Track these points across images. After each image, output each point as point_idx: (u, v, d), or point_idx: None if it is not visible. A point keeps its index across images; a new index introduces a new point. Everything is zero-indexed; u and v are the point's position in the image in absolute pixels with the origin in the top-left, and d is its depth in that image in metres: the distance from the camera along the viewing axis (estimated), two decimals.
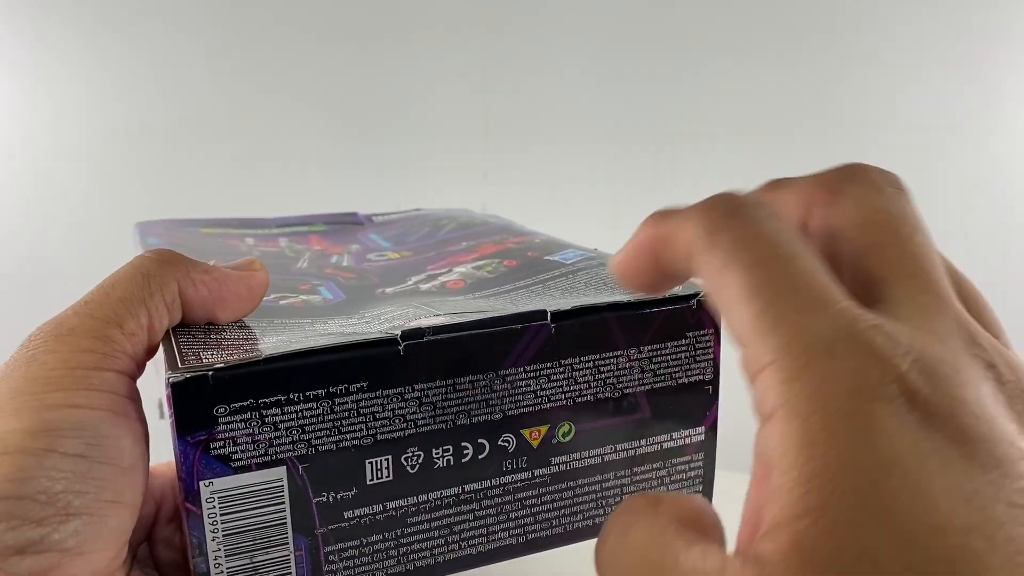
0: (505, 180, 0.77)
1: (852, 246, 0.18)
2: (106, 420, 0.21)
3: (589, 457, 0.26)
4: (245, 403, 0.21)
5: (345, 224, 0.47)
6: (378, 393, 0.23)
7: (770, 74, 0.80)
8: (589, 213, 0.75)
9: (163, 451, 0.24)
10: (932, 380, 0.15)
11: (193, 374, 0.21)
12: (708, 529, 0.16)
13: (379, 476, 0.24)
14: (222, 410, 0.21)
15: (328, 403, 0.22)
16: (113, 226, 0.71)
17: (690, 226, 0.18)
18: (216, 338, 0.24)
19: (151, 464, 0.23)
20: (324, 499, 0.23)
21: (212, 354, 0.22)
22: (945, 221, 0.82)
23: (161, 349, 0.23)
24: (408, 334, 0.23)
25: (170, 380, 0.21)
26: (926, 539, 0.13)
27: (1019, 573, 0.13)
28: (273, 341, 0.24)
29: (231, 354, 0.22)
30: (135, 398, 0.22)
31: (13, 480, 0.18)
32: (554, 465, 0.26)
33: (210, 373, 0.21)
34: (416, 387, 0.23)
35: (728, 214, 0.17)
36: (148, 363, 0.24)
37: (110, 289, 0.23)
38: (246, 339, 0.24)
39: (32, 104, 0.71)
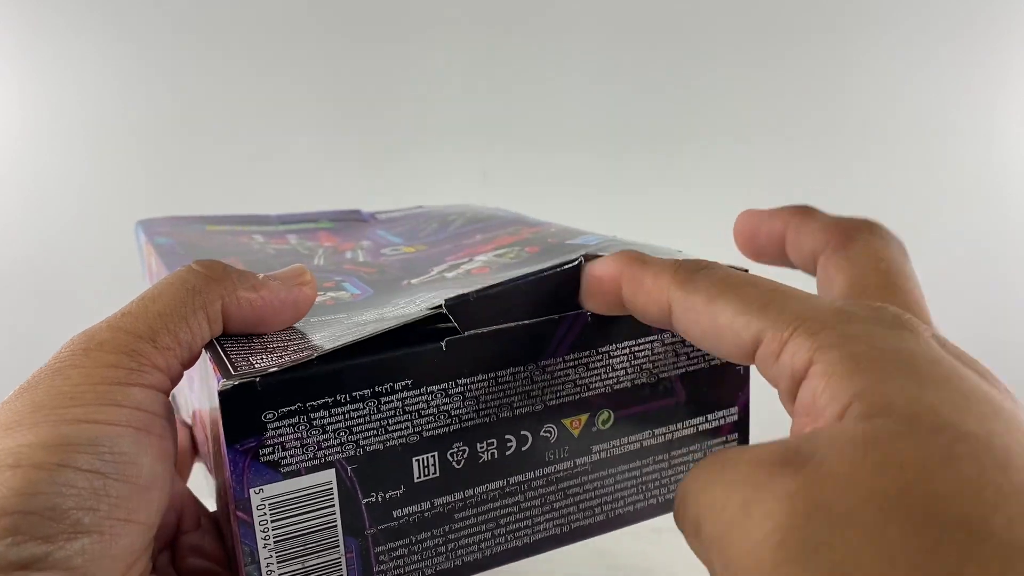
0: (505, 180, 0.76)
1: (850, 287, 0.21)
2: (126, 436, 0.20)
3: (628, 443, 0.26)
4: (293, 407, 0.21)
5: (350, 221, 0.46)
6: (423, 390, 0.23)
7: (771, 75, 0.80)
8: (589, 213, 0.74)
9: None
10: (939, 338, 0.17)
11: (241, 381, 0.20)
12: None
13: (426, 473, 0.23)
14: (270, 416, 0.21)
15: (374, 402, 0.22)
16: (105, 223, 0.71)
17: (665, 274, 0.21)
18: (260, 340, 0.24)
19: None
20: (373, 499, 0.23)
21: (261, 358, 0.22)
22: (944, 221, 0.83)
23: (206, 356, 0.23)
24: (453, 306, 0.23)
25: (218, 389, 0.20)
26: (981, 403, 0.15)
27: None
28: (319, 338, 0.23)
29: (280, 356, 0.22)
30: (163, 413, 0.21)
31: (22, 494, 0.18)
32: (595, 453, 0.26)
33: (257, 379, 0.21)
34: (459, 382, 0.23)
35: (699, 267, 0.20)
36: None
37: (150, 303, 0.22)
38: (291, 339, 0.24)
39: (27, 100, 0.69)
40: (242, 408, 0.21)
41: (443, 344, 0.23)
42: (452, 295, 0.23)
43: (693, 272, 0.20)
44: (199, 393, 0.27)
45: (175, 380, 0.22)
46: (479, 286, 0.24)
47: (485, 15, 0.73)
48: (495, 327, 0.23)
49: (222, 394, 0.20)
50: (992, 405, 0.15)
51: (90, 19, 0.68)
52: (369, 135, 0.74)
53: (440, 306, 0.23)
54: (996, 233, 0.84)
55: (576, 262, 0.24)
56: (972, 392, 0.15)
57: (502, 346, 0.24)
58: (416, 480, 0.23)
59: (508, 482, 0.25)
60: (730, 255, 0.26)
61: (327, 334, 0.24)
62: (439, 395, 0.23)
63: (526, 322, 0.24)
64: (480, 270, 0.32)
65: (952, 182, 0.84)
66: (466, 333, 0.23)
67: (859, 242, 0.22)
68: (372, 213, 0.48)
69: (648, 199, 0.79)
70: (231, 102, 0.71)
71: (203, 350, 0.23)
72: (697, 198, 0.80)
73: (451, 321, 0.23)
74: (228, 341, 0.23)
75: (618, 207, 0.78)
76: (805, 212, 0.24)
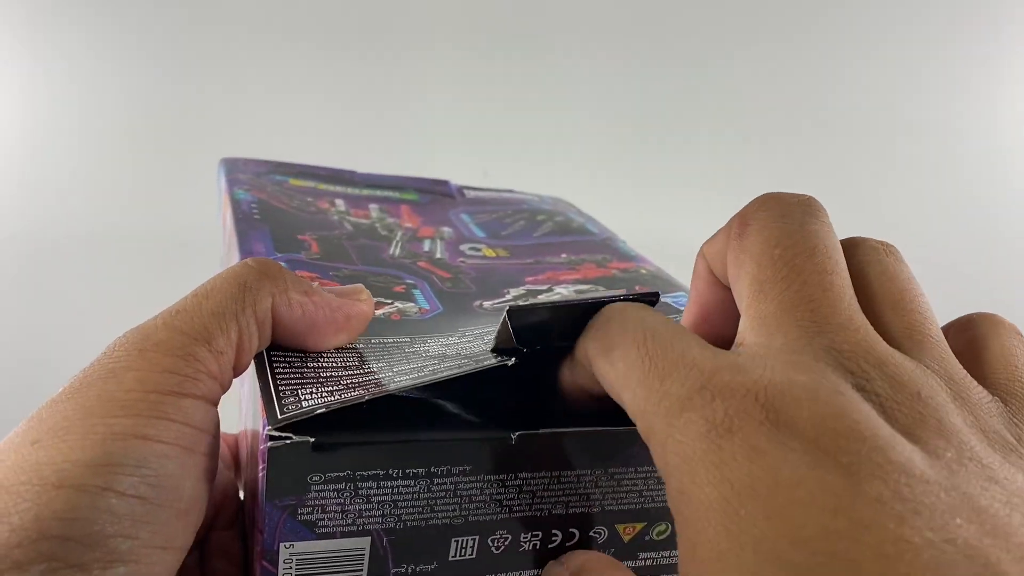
0: (505, 180, 0.75)
1: (749, 285, 0.19)
2: (171, 457, 0.19)
3: (676, 557, 0.25)
4: (342, 474, 0.20)
5: (436, 195, 0.44)
6: (479, 477, 0.21)
7: (771, 73, 0.77)
8: (592, 212, 0.74)
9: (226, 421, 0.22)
10: (781, 401, 0.15)
11: (291, 441, 0.19)
12: None
13: (462, 554, 0.22)
14: (316, 478, 0.20)
15: (426, 482, 0.21)
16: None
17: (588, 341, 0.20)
18: (314, 364, 0.22)
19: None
20: (403, 570, 0.22)
21: (311, 392, 0.20)
22: (944, 220, 0.81)
23: (255, 377, 0.22)
24: (522, 430, 0.21)
25: (268, 446, 0.19)
26: (791, 552, 0.13)
27: (890, 564, 0.13)
28: (375, 369, 0.22)
29: (331, 390, 0.20)
30: (210, 430, 0.20)
31: (63, 519, 0.17)
32: (640, 559, 0.24)
33: (311, 441, 0.19)
34: (520, 475, 0.22)
35: (605, 323, 0.20)
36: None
37: (203, 299, 0.21)
38: (346, 367, 0.22)
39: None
40: (289, 467, 0.19)
41: (513, 437, 0.21)
42: (517, 306, 0.21)
43: (610, 330, 0.20)
44: (247, 400, 0.25)
45: (226, 389, 0.21)
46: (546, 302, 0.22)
47: (486, 13, 0.71)
48: (574, 429, 0.22)
49: (271, 451, 0.19)
50: (802, 546, 0.13)
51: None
52: (369, 134, 0.72)
53: (506, 364, 0.21)
54: (996, 232, 0.82)
55: (655, 296, 0.22)
56: (781, 537, 0.13)
57: (574, 448, 0.22)
58: (450, 558, 0.22)
59: (542, 571, 0.23)
60: None
61: (384, 366, 0.22)
62: (495, 484, 0.21)
63: (608, 428, 0.22)
64: None
65: (952, 181, 0.82)
66: (540, 431, 0.21)
67: (753, 227, 0.19)
68: (460, 187, 0.46)
69: (650, 198, 0.78)
70: (234, 102, 0.70)
71: (253, 363, 0.22)
72: (698, 196, 0.78)
73: (510, 356, 0.21)
74: (280, 361, 0.22)
75: (620, 207, 0.77)
76: (714, 237, 0.22)
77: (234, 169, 0.39)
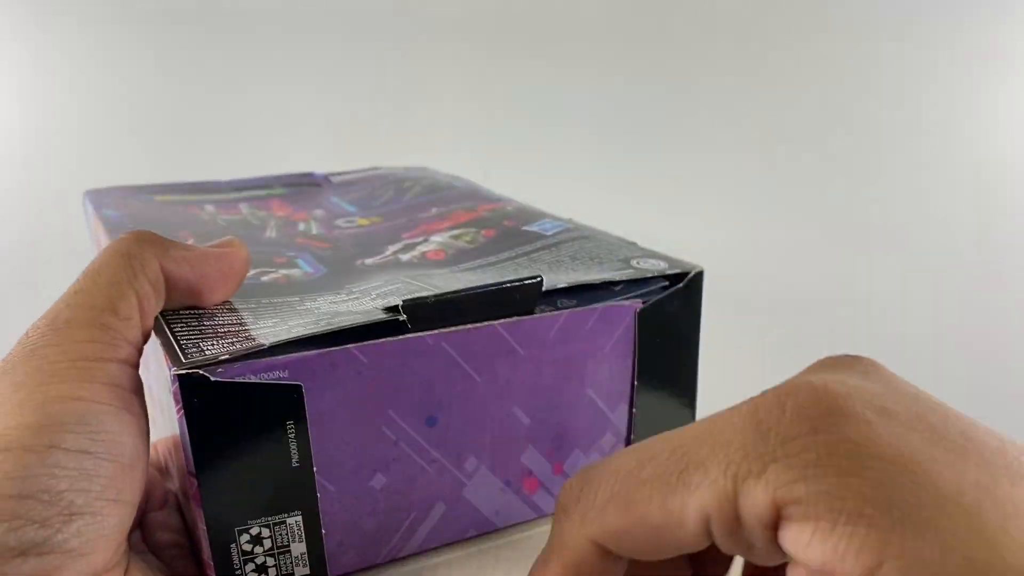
0: (505, 180, 0.77)
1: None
2: (109, 414, 0.20)
3: None
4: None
5: (303, 186, 0.45)
6: None
7: (772, 74, 0.79)
8: (590, 214, 0.76)
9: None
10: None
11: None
12: None
13: None
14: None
15: None
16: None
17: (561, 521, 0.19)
18: (211, 325, 0.23)
19: None
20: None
21: (212, 344, 0.22)
22: (945, 219, 0.82)
23: (157, 341, 0.23)
24: (409, 306, 0.23)
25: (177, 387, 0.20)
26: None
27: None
28: (270, 324, 0.23)
29: (231, 342, 0.22)
30: (136, 391, 0.22)
31: (15, 478, 0.18)
32: None
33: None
34: None
35: (580, 491, 0.18)
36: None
37: (96, 276, 0.22)
38: (241, 324, 0.24)
39: None
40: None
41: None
42: (410, 297, 0.24)
43: (575, 502, 0.18)
44: (156, 376, 0.26)
45: (139, 352, 0.22)
46: (437, 291, 0.24)
47: (487, 13, 0.72)
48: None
49: (183, 393, 0.20)
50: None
51: None
52: (370, 134, 0.72)
53: (397, 307, 0.23)
54: (997, 232, 0.84)
55: (537, 279, 0.25)
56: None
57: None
58: None
59: None
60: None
61: (279, 321, 0.24)
62: None
63: None
64: (436, 254, 0.32)
65: (952, 181, 0.83)
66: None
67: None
68: (326, 175, 0.48)
69: (651, 197, 0.80)
70: (239, 108, 0.69)
71: (155, 334, 0.23)
72: (701, 198, 0.81)
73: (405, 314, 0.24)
74: (177, 324, 0.23)
75: (620, 206, 0.79)
76: None
77: (99, 197, 0.40)
